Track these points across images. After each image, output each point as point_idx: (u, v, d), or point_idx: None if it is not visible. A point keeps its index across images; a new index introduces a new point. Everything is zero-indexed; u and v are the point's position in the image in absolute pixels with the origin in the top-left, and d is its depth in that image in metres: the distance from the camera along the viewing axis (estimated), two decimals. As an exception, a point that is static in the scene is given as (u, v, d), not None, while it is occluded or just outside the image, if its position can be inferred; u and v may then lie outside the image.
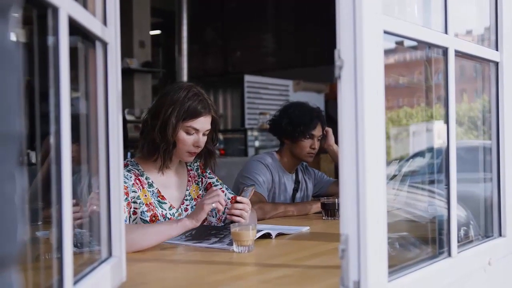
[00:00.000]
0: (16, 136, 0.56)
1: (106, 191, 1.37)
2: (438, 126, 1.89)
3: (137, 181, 2.17)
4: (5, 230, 0.54)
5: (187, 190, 2.33)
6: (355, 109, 1.16)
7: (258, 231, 2.01)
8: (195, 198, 2.34)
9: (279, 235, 2.17)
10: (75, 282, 1.09)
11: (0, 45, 0.53)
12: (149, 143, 2.19)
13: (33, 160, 2.63)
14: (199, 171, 2.41)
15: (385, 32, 1.24)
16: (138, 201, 2.14)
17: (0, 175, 0.54)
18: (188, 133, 2.18)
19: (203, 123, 2.20)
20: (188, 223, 1.96)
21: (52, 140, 1.02)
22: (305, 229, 2.34)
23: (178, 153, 2.22)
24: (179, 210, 2.27)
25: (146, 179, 2.21)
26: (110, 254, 1.37)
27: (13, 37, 0.56)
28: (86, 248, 1.48)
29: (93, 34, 1.26)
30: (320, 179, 3.26)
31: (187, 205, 2.30)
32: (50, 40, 1.02)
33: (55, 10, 0.99)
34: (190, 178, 2.37)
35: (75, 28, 1.12)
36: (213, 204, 1.97)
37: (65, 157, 1.01)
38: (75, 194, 1.07)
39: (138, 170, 2.21)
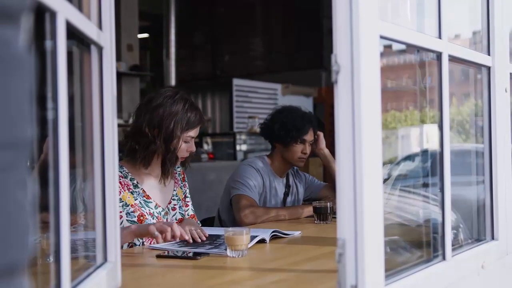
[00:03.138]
0: (27, 142, 0.55)
1: (101, 196, 1.36)
2: (427, 129, 1.90)
3: (119, 184, 2.20)
4: (17, 237, 0.54)
5: (174, 190, 2.42)
6: (352, 114, 1.16)
7: (253, 236, 2.01)
8: (182, 199, 2.45)
9: (274, 238, 2.17)
10: (72, 288, 1.08)
11: (12, 51, 0.53)
12: (150, 154, 2.25)
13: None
14: (181, 176, 2.51)
15: (381, 37, 1.24)
16: (121, 203, 2.18)
17: (12, 181, 0.53)
18: (186, 141, 2.29)
19: (198, 130, 2.34)
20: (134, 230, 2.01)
21: (49, 144, 1.01)
22: (297, 233, 2.34)
23: None
24: (166, 209, 2.35)
25: (130, 180, 2.27)
26: (105, 259, 1.36)
27: (24, 42, 0.56)
28: (77, 253, 1.47)
29: (89, 38, 1.25)
30: (311, 183, 3.26)
31: (174, 205, 2.40)
32: (47, 44, 1.01)
33: (53, 14, 0.98)
34: (176, 180, 2.46)
35: (71, 32, 1.11)
36: (156, 233, 1.92)
37: (63, 161, 1.00)
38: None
39: (121, 172, 2.24)
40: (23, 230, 0.55)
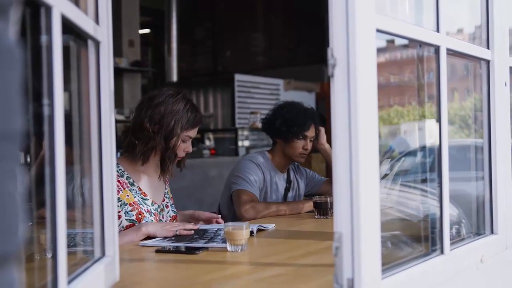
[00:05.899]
0: (17, 134, 0.56)
1: (99, 192, 1.36)
2: (430, 125, 1.90)
3: (117, 182, 2.22)
4: (7, 228, 0.54)
5: (166, 189, 2.47)
6: (348, 108, 1.17)
7: None
8: (171, 197, 2.50)
9: (259, 231, 2.22)
10: (69, 282, 1.09)
11: (1, 44, 0.53)
12: (149, 150, 2.28)
13: (22, 161, 2.63)
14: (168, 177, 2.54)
15: (378, 30, 1.24)
16: (119, 203, 2.21)
17: (2, 172, 0.53)
18: (183, 141, 2.33)
19: (196, 131, 2.38)
20: (150, 229, 2.12)
21: (44, 140, 1.01)
22: (272, 226, 2.38)
23: None
24: (161, 206, 2.39)
25: (126, 178, 2.30)
26: (103, 253, 1.36)
27: (13, 35, 0.56)
28: (76, 248, 1.48)
29: (86, 33, 1.25)
30: (312, 178, 3.26)
31: (167, 202, 2.45)
32: (43, 39, 1.01)
33: (48, 9, 0.98)
34: (166, 180, 2.50)
35: (68, 27, 1.11)
36: (177, 232, 2.13)
37: (59, 157, 1.01)
38: (66, 195, 1.07)
39: (117, 171, 2.26)
40: (13, 221, 0.55)
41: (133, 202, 2.25)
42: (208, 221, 2.43)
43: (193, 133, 2.34)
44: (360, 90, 1.16)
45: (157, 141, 2.26)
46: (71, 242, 1.38)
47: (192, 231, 2.14)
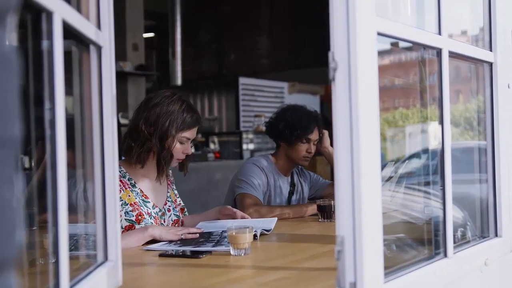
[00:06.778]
0: (14, 140, 0.56)
1: (101, 196, 1.36)
2: (434, 127, 1.90)
3: (119, 182, 2.23)
4: (4, 233, 0.54)
5: (168, 192, 2.46)
6: (349, 111, 1.16)
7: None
8: (174, 201, 2.48)
9: (262, 234, 2.21)
10: (71, 286, 1.09)
11: (-1, 51, 0.53)
12: (145, 151, 2.28)
13: (26, 165, 2.63)
14: (172, 179, 2.55)
15: (379, 33, 1.24)
16: (120, 202, 2.21)
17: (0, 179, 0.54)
18: (181, 142, 2.32)
19: (195, 132, 2.37)
20: (156, 232, 2.10)
21: (47, 145, 1.02)
22: (274, 220, 2.40)
23: None
24: (163, 209, 2.39)
25: (128, 180, 2.30)
26: (106, 258, 1.37)
27: (10, 41, 0.56)
28: (80, 252, 1.48)
29: (87, 38, 1.25)
30: (316, 182, 3.26)
31: (169, 206, 2.44)
32: (44, 44, 1.02)
33: (49, 14, 0.99)
34: (169, 182, 2.50)
35: (69, 32, 1.11)
36: (182, 236, 2.12)
37: (60, 162, 1.01)
38: (70, 199, 1.07)
39: (120, 172, 2.27)
40: (10, 227, 0.55)
41: (134, 203, 2.25)
42: (233, 216, 2.45)
43: (190, 134, 2.33)
44: (361, 93, 1.16)
45: (152, 142, 2.26)
46: (73, 246, 1.39)
47: (197, 235, 2.14)
